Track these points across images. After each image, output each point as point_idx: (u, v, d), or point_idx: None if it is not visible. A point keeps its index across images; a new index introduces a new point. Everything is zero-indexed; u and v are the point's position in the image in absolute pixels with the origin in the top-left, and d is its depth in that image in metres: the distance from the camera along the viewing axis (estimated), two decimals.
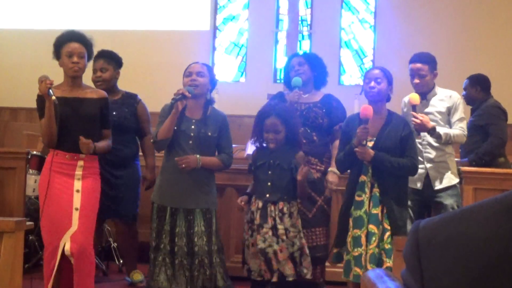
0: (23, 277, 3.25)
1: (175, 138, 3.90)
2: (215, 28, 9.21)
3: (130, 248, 4.78)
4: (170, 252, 3.85)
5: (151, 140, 4.08)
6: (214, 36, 9.20)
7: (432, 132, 4.10)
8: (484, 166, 4.82)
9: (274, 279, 3.73)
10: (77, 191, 3.71)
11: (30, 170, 5.02)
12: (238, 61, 9.16)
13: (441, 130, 4.13)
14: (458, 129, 4.21)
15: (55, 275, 3.67)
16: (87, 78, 4.16)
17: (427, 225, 0.86)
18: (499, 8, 8.38)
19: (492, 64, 7.52)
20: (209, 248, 3.86)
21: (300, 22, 8.70)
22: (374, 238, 3.65)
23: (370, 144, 3.77)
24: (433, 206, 4.30)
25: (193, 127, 3.94)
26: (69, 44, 3.82)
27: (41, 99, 3.77)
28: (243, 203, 3.92)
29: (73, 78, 3.83)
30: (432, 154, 4.24)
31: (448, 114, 4.28)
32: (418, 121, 4.04)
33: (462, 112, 4.30)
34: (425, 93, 4.28)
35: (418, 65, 4.31)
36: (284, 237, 3.76)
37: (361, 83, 9.37)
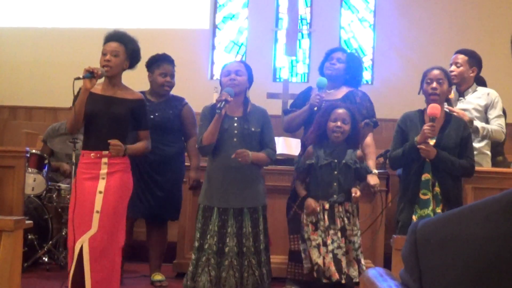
0: (22, 276, 3.25)
1: (219, 138, 3.86)
2: (214, 27, 9.20)
3: (160, 249, 4.77)
4: (217, 252, 3.79)
5: (196, 146, 4.06)
6: (214, 35, 9.20)
7: (470, 125, 4.08)
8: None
9: (343, 281, 3.69)
10: (100, 192, 3.70)
11: (29, 168, 5.02)
12: (238, 60, 9.15)
13: (479, 124, 4.14)
14: (496, 125, 4.21)
15: (72, 276, 3.66)
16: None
17: (425, 225, 0.86)
18: (498, 7, 8.37)
19: (491, 63, 7.51)
20: (256, 248, 3.82)
21: (299, 21, 8.69)
22: None
23: (432, 142, 3.75)
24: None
25: (235, 124, 3.91)
26: (108, 43, 3.86)
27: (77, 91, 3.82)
28: (314, 204, 3.83)
29: (108, 77, 3.84)
30: None
31: (485, 111, 4.29)
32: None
33: (500, 109, 4.31)
34: (462, 90, 4.27)
35: (458, 55, 4.36)
36: (352, 238, 3.75)
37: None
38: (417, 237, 0.86)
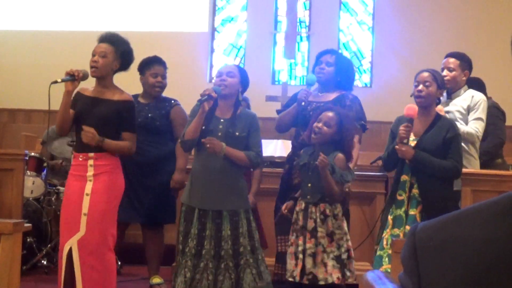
0: (21, 279, 3.25)
1: (203, 138, 3.83)
2: (213, 30, 9.21)
3: (158, 252, 4.75)
4: (195, 255, 3.78)
5: (179, 140, 4.06)
6: (213, 38, 9.20)
7: None
8: (482, 165, 4.83)
9: (305, 282, 3.68)
10: (87, 194, 3.70)
11: (28, 171, 5.02)
12: (237, 63, 9.16)
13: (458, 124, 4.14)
14: (473, 128, 4.21)
15: (64, 278, 3.67)
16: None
17: (424, 227, 0.86)
18: (497, 10, 8.39)
19: (491, 66, 7.52)
20: (235, 251, 3.80)
21: (298, 24, 8.70)
22: None
23: (413, 143, 3.76)
24: (450, 210, 4.31)
25: (220, 126, 3.89)
26: (98, 45, 3.88)
27: (75, 94, 3.85)
28: (286, 210, 3.87)
29: (97, 78, 3.85)
30: None
31: (468, 113, 4.29)
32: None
33: (481, 113, 4.29)
34: (451, 91, 4.27)
35: (449, 59, 4.35)
36: (323, 241, 3.71)
37: (360, 84, 9.40)
38: (416, 240, 0.86)
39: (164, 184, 4.66)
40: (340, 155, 3.77)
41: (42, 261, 5.15)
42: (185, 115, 4.73)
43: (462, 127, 4.18)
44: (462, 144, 4.30)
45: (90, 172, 3.74)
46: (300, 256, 3.71)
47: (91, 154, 3.74)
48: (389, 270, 3.58)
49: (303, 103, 4.18)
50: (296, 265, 3.72)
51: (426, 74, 3.91)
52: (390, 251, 3.64)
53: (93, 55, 3.83)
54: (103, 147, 3.76)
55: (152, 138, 4.61)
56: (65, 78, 3.68)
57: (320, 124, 3.78)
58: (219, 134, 3.87)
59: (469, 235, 0.80)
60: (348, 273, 3.73)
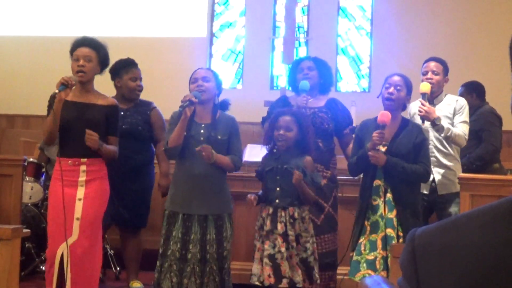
0: (20, 284, 3.25)
1: (186, 144, 3.87)
2: (212, 35, 9.22)
3: (136, 256, 4.75)
4: (180, 258, 3.80)
5: (162, 148, 4.06)
6: (211, 43, 9.21)
7: (436, 122, 4.11)
8: (475, 171, 4.84)
9: (284, 285, 3.68)
10: (79, 199, 3.71)
11: (26, 177, 5.02)
12: (235, 68, 9.17)
13: (445, 124, 4.15)
14: (461, 131, 4.23)
15: (56, 283, 3.66)
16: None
17: (423, 233, 0.86)
18: (494, 16, 8.41)
19: (488, 71, 7.54)
20: (219, 255, 3.83)
21: (297, 29, 8.71)
22: (394, 242, 3.65)
23: (383, 149, 3.77)
24: (437, 212, 4.32)
25: (202, 131, 3.92)
26: (78, 49, 3.86)
27: (52, 99, 3.83)
28: (253, 197, 3.85)
29: (81, 83, 3.84)
30: (438, 158, 4.26)
31: (453, 117, 4.30)
32: (425, 108, 4.06)
33: (466, 116, 4.32)
34: (433, 97, 4.29)
35: (434, 63, 4.36)
36: (295, 244, 3.73)
37: (358, 90, 9.39)
38: (415, 245, 0.86)
39: (144, 189, 4.66)
40: (308, 158, 3.85)
41: (41, 267, 5.14)
42: (163, 118, 4.76)
43: (453, 128, 4.19)
44: (453, 149, 4.31)
45: (83, 178, 3.74)
46: (265, 260, 3.72)
47: (84, 160, 3.75)
48: (366, 275, 3.59)
49: (304, 110, 4.19)
50: (262, 269, 3.73)
51: (398, 78, 3.96)
52: (368, 257, 3.66)
53: (77, 60, 3.81)
54: (101, 152, 3.77)
55: (136, 144, 4.58)
56: (61, 88, 3.67)
57: (282, 131, 3.82)
58: (201, 139, 3.90)
59: (468, 240, 0.81)
60: (316, 275, 3.78)
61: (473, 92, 5.37)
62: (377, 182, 3.78)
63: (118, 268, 5.15)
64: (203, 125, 3.94)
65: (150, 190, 4.74)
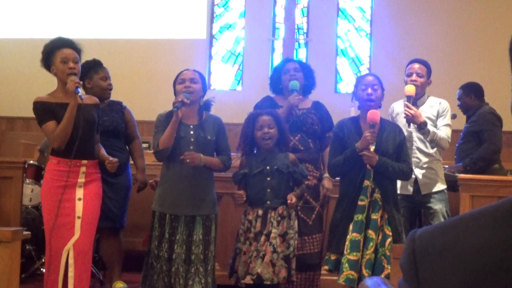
0: (20, 287, 3.24)
1: (176, 146, 3.88)
2: (211, 37, 9.23)
3: (117, 257, 4.72)
4: (168, 259, 3.84)
5: (153, 151, 4.07)
6: (211, 45, 9.22)
7: (422, 126, 4.11)
8: (478, 171, 4.84)
9: (248, 281, 3.68)
10: (79, 199, 3.72)
11: (26, 179, 5.02)
12: (235, 70, 9.17)
13: (430, 127, 4.17)
14: (444, 134, 4.23)
15: (62, 283, 3.67)
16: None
17: (423, 233, 0.86)
18: (493, 17, 8.41)
19: (486, 72, 7.54)
20: (205, 256, 3.85)
21: (296, 31, 8.72)
22: (371, 244, 3.64)
23: (372, 149, 3.77)
24: (424, 212, 4.34)
25: (192, 132, 3.94)
26: (63, 50, 3.81)
27: (42, 105, 3.79)
28: (241, 191, 3.84)
29: (63, 84, 3.82)
30: (420, 159, 4.27)
31: (437, 120, 4.32)
32: (412, 111, 4.07)
33: (449, 119, 4.34)
34: (416, 99, 4.30)
35: (418, 64, 4.37)
36: (274, 241, 3.72)
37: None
38: (415, 246, 0.86)
39: (124, 187, 4.66)
40: (292, 156, 3.91)
41: (41, 269, 5.13)
42: (133, 116, 4.80)
43: (438, 132, 4.20)
44: (435, 148, 4.31)
45: (82, 179, 3.75)
46: (248, 260, 3.74)
47: (85, 162, 3.76)
48: (351, 277, 3.58)
49: (295, 109, 4.25)
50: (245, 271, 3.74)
51: (371, 77, 4.01)
52: (350, 257, 3.63)
53: (66, 62, 3.79)
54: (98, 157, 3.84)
55: (117, 142, 4.59)
56: (77, 91, 3.67)
57: (266, 129, 3.83)
58: (192, 139, 3.92)
59: (468, 241, 0.81)
60: (292, 271, 3.77)
61: (471, 93, 5.37)
62: (366, 182, 3.76)
63: (102, 272, 5.11)
64: (191, 126, 3.96)
65: (130, 188, 4.73)
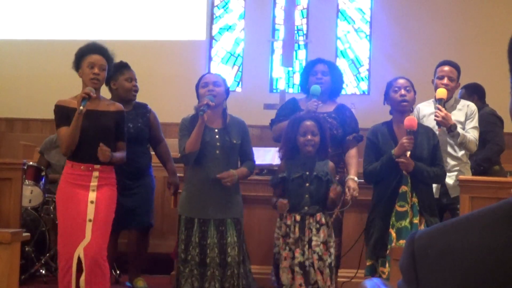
0: None
1: (201, 150, 3.86)
2: (211, 38, 9.23)
3: (139, 256, 4.76)
4: (200, 263, 3.80)
5: (179, 155, 4.06)
6: (210, 46, 9.22)
7: (452, 129, 4.11)
8: (482, 173, 4.84)
9: None
10: (91, 202, 3.74)
11: (26, 181, 5.01)
12: (235, 71, 9.17)
13: (460, 130, 4.17)
14: (473, 137, 4.24)
15: (75, 286, 3.67)
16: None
17: (423, 235, 0.86)
18: (492, 18, 8.41)
19: (486, 73, 7.54)
20: (239, 259, 3.84)
21: (296, 32, 8.72)
22: None
23: (407, 154, 3.76)
24: (451, 214, 4.33)
25: (217, 136, 3.93)
26: (92, 56, 3.86)
27: (61, 109, 3.84)
28: (285, 201, 3.78)
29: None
30: (449, 162, 4.26)
31: (465, 122, 4.32)
32: (442, 114, 4.06)
33: (476, 122, 4.34)
34: (444, 101, 4.29)
35: (449, 67, 4.36)
36: (317, 249, 3.71)
37: (358, 92, 9.38)
38: (414, 248, 0.86)
39: (149, 189, 4.71)
40: (331, 164, 3.90)
41: (41, 271, 5.14)
42: (158, 119, 4.84)
43: (467, 135, 4.21)
44: (462, 152, 4.32)
45: (94, 183, 3.77)
46: (296, 268, 3.71)
47: (97, 166, 3.78)
48: None
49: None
50: (293, 278, 3.71)
51: (403, 80, 3.99)
52: None
53: (91, 67, 3.83)
54: (111, 162, 3.82)
55: (138, 148, 4.62)
56: (84, 103, 3.70)
57: (309, 136, 3.81)
58: (217, 144, 3.90)
59: (468, 243, 0.81)
60: (333, 279, 3.80)
61: (474, 94, 5.37)
62: (403, 188, 3.74)
63: (118, 271, 5.14)
64: (216, 130, 3.95)
65: (153, 191, 4.81)
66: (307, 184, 3.80)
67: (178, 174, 4.72)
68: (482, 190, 4.14)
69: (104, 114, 3.86)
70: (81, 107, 3.68)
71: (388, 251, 3.69)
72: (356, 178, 4.17)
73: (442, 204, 4.28)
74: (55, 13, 9.14)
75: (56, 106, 3.88)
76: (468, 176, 4.30)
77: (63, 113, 3.83)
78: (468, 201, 4.10)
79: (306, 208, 3.78)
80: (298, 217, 3.77)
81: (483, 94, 5.40)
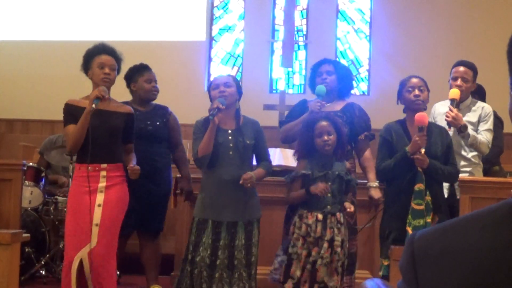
0: None
1: (214, 152, 3.85)
2: (211, 39, 9.23)
3: (155, 261, 4.73)
4: (210, 265, 3.79)
5: (192, 158, 4.06)
6: (210, 47, 9.22)
7: (462, 129, 4.11)
8: (483, 173, 4.83)
9: None
10: (99, 205, 3.72)
11: (26, 181, 5.01)
12: (234, 72, 9.17)
13: (470, 131, 4.16)
14: (484, 138, 4.23)
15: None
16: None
17: (422, 236, 0.86)
18: (492, 19, 8.42)
19: (486, 74, 7.54)
20: (248, 261, 3.82)
21: (296, 33, 8.73)
22: None
23: (422, 151, 3.76)
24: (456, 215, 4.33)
25: (230, 137, 3.91)
26: (101, 56, 3.87)
27: (69, 108, 3.85)
28: (324, 185, 3.73)
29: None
30: (459, 164, 4.26)
31: (478, 124, 4.31)
32: (452, 114, 4.06)
33: (491, 124, 4.33)
34: (459, 102, 4.28)
35: (464, 68, 4.35)
36: (339, 249, 3.70)
37: (357, 92, 9.38)
38: (414, 249, 0.86)
39: (164, 192, 4.68)
40: (347, 164, 3.91)
41: (41, 271, 5.14)
42: (179, 122, 4.82)
43: (479, 137, 4.20)
44: (474, 153, 4.31)
45: (103, 183, 3.75)
46: (308, 266, 3.69)
47: (104, 165, 3.77)
48: None
49: None
50: (301, 275, 3.69)
51: (417, 79, 3.98)
52: None
53: (102, 67, 3.84)
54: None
55: (158, 147, 4.62)
56: (96, 102, 3.71)
57: (325, 137, 3.78)
58: (230, 145, 3.89)
59: (467, 243, 0.80)
60: (345, 279, 3.79)
61: (475, 94, 5.36)
62: (419, 186, 3.73)
63: (118, 272, 5.13)
64: (229, 131, 3.93)
65: (169, 194, 4.77)
66: (329, 183, 3.78)
67: (195, 176, 4.67)
68: (482, 190, 4.14)
69: (114, 114, 3.87)
70: (93, 105, 3.68)
71: None
72: (377, 183, 4.12)
73: (449, 204, 4.28)
74: (55, 14, 9.14)
75: (66, 105, 3.89)
76: (478, 176, 4.30)
77: (71, 112, 3.84)
78: (468, 201, 4.10)
79: (329, 207, 3.76)
80: (320, 216, 3.74)
81: (484, 95, 5.40)
